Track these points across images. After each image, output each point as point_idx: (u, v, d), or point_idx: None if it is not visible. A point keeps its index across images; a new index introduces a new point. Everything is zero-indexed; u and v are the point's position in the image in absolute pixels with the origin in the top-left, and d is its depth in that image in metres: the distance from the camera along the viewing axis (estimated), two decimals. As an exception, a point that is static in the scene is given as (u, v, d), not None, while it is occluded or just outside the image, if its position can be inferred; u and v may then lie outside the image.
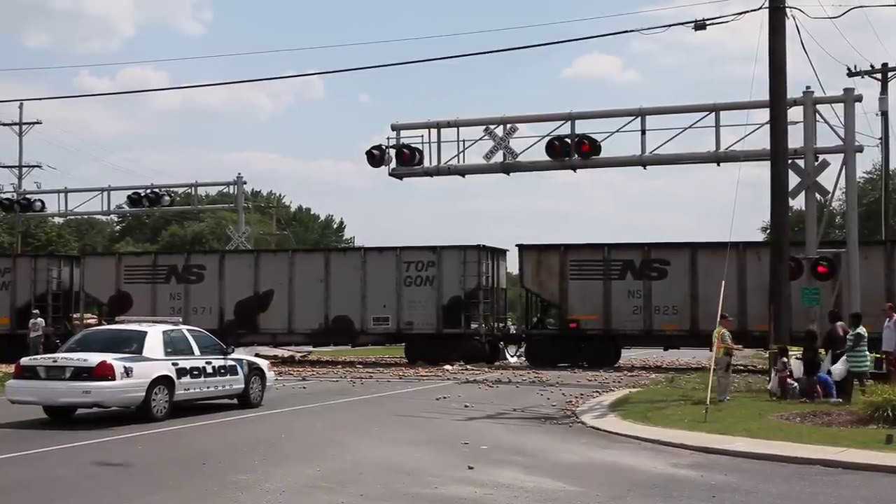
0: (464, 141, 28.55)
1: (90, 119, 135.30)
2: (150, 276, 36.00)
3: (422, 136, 28.81)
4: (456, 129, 28.66)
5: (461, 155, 28.65)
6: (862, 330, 18.31)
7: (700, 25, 21.54)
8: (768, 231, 31.04)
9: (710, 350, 19.39)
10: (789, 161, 21.91)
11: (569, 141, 27.30)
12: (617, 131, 27.44)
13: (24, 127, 54.01)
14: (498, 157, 28.20)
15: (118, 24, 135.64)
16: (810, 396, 18.29)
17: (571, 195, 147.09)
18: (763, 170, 22.02)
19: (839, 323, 19.65)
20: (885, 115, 37.40)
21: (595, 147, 27.32)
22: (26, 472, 11.50)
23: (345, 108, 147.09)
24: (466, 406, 19.04)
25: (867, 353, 18.50)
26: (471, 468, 11.52)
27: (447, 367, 30.25)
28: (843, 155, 24.63)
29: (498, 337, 34.06)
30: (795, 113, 24.21)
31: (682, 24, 22.07)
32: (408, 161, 28.66)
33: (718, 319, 18.94)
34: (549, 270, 31.85)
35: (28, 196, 44.48)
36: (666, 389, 21.94)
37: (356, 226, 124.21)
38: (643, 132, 26.80)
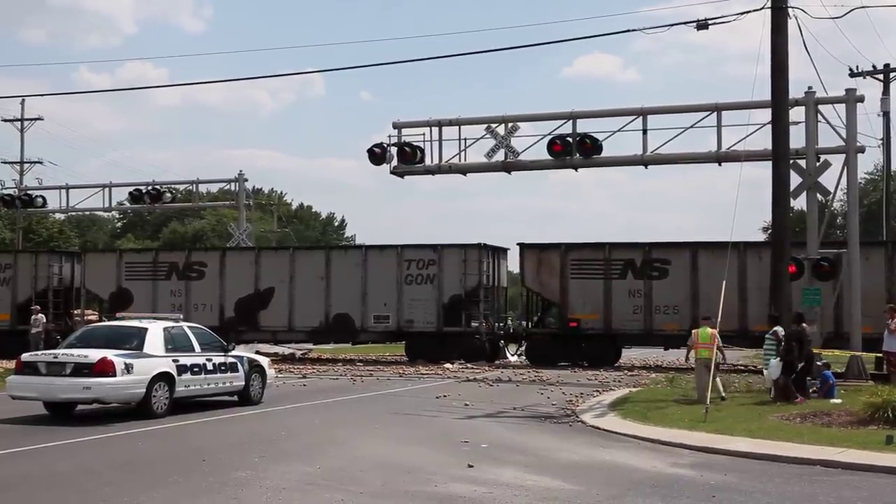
0: (465, 139, 28.62)
1: (91, 116, 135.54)
2: (151, 273, 36.03)
3: (423, 134, 28.86)
4: (457, 127, 28.66)
5: (462, 153, 28.70)
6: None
7: (702, 25, 21.52)
8: (769, 231, 31.03)
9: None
10: (791, 161, 21.90)
11: (570, 140, 27.32)
12: (618, 131, 27.45)
13: (25, 123, 54.02)
14: (499, 156, 28.21)
15: (119, 20, 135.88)
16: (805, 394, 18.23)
17: (572, 194, 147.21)
18: (764, 170, 22.05)
19: (804, 324, 19.50)
20: (886, 115, 37.46)
21: (596, 146, 27.33)
22: (26, 468, 11.51)
23: (346, 106, 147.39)
24: (466, 405, 19.04)
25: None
26: (471, 466, 11.53)
27: (447, 365, 30.25)
28: (844, 155, 24.64)
29: (498, 335, 34.07)
30: (797, 113, 24.25)
31: (683, 23, 22.08)
32: (409, 159, 28.69)
33: (703, 320, 18.87)
34: (549, 270, 31.82)
35: (29, 192, 44.54)
36: (666, 389, 21.94)
37: (357, 224, 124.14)
38: (644, 132, 26.80)
